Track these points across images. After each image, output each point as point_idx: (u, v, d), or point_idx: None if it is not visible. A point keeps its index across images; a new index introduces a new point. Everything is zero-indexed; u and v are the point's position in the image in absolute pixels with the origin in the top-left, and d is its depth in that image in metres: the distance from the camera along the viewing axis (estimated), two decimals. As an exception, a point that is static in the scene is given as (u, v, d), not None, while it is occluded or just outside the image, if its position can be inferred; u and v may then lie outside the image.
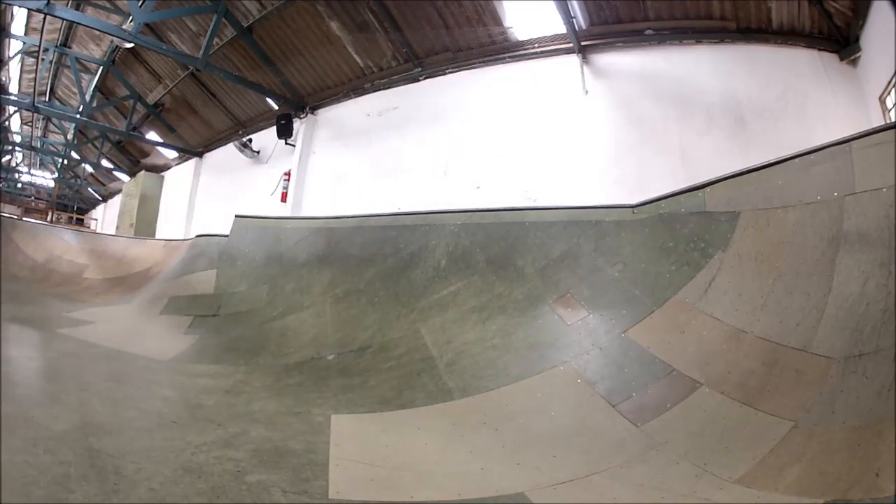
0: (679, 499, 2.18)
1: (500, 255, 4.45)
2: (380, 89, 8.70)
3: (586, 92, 6.43)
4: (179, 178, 14.00)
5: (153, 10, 7.96)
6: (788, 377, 2.63)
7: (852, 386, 2.33)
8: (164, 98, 12.26)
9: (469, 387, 3.39)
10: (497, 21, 6.95)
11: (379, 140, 8.54)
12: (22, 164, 22.19)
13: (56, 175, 20.97)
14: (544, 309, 3.85)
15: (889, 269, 2.44)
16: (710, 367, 2.93)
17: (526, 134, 6.82)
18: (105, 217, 20.60)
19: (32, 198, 26.42)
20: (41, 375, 3.09)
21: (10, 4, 7.79)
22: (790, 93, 5.35)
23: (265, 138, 10.69)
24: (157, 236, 12.98)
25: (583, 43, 6.36)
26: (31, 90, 12.10)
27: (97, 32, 9.48)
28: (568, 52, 6.55)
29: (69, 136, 15.93)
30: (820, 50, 5.34)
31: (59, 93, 14.43)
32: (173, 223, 13.22)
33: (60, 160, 18.68)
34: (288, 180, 9.53)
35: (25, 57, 12.15)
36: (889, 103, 4.59)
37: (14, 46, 11.49)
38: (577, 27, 6.22)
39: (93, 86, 12.30)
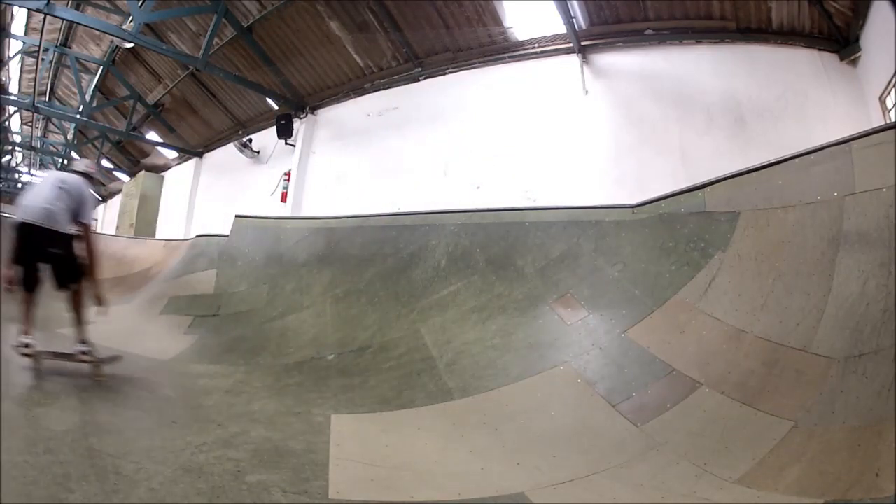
0: (679, 499, 2.18)
1: (500, 255, 4.45)
2: (380, 89, 8.68)
3: (586, 92, 6.42)
4: (179, 178, 13.97)
5: (153, 10, 7.94)
6: (788, 377, 2.63)
7: (852, 386, 2.33)
8: (164, 98, 12.23)
9: (469, 387, 3.39)
10: (497, 21, 6.94)
11: (379, 140, 8.52)
12: (22, 164, 22.13)
13: (56, 175, 20.87)
14: (544, 309, 3.85)
15: (889, 269, 2.44)
16: (710, 367, 2.93)
17: (526, 134, 6.81)
18: (105, 217, 20.57)
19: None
20: (41, 375, 3.08)
21: (10, 4, 7.77)
22: (790, 93, 5.34)
23: (265, 138, 10.67)
24: (157, 236, 12.96)
25: (583, 43, 6.35)
26: (31, 90, 12.06)
27: (97, 32, 9.45)
28: (568, 52, 6.53)
29: (69, 136, 15.90)
30: (820, 50, 5.33)
31: (59, 93, 14.40)
32: (173, 223, 13.18)
33: (60, 160, 18.65)
34: (288, 180, 9.51)
35: (25, 57, 12.11)
36: (889, 103, 4.58)
37: (14, 46, 11.46)
38: (577, 27, 6.22)
39: (93, 86, 12.27)
